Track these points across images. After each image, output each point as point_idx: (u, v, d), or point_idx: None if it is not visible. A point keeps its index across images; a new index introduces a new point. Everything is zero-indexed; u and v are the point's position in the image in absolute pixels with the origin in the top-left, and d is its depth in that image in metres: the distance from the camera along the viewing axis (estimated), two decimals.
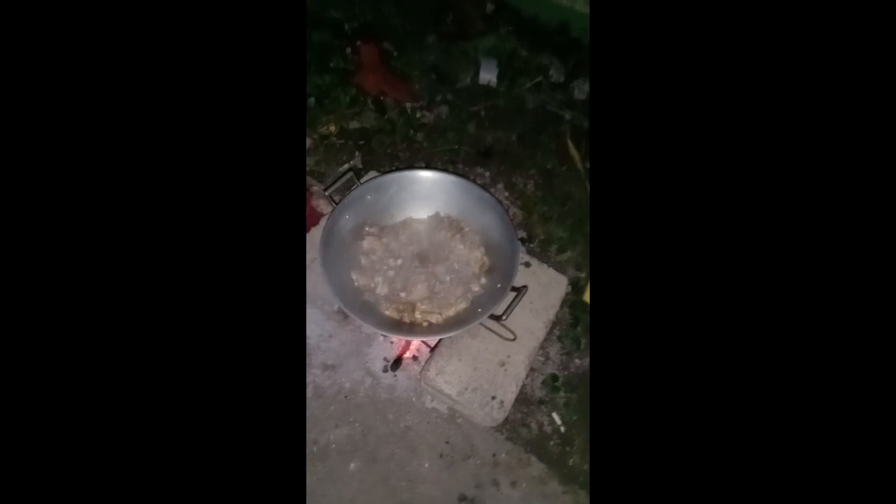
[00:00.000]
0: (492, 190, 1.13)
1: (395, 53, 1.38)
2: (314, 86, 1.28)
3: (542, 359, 0.93)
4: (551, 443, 0.86)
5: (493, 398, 0.80)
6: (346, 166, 1.15)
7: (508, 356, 0.84)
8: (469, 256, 0.88)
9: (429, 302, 0.82)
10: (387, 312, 0.81)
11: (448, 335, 0.80)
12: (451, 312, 0.82)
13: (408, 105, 1.29)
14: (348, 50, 1.35)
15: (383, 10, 1.43)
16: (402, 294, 0.82)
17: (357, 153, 1.19)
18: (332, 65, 1.33)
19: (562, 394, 0.90)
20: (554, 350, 0.94)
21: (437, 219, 0.92)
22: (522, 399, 0.88)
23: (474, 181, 0.98)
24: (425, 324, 0.80)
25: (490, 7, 1.48)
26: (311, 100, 1.26)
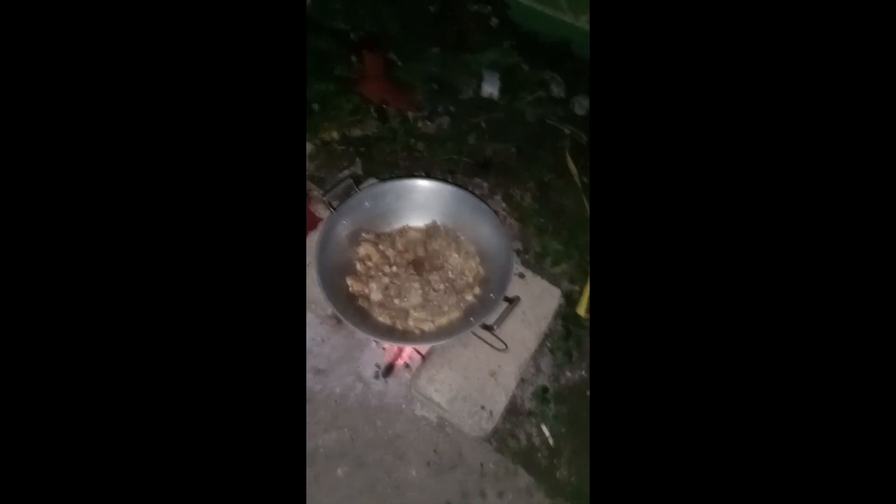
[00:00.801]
0: (489, 201, 1.14)
1: (399, 63, 1.40)
2: (318, 92, 1.30)
3: (533, 370, 0.93)
4: (539, 455, 0.86)
5: (483, 408, 0.81)
6: (346, 172, 1.16)
7: (499, 366, 0.85)
8: (464, 266, 0.89)
9: (422, 309, 0.82)
10: (380, 319, 0.82)
11: (440, 343, 0.81)
12: (443, 321, 0.83)
13: (409, 114, 1.30)
14: (353, 58, 1.38)
15: (389, 21, 1.46)
16: (396, 301, 0.83)
17: (357, 160, 1.21)
18: (336, 72, 1.35)
19: (551, 406, 0.90)
20: (545, 362, 0.95)
21: (433, 227, 0.93)
22: (512, 410, 0.88)
23: (472, 192, 0.99)
24: (418, 331, 0.81)
25: (494, 21, 1.51)
26: (315, 106, 1.28)
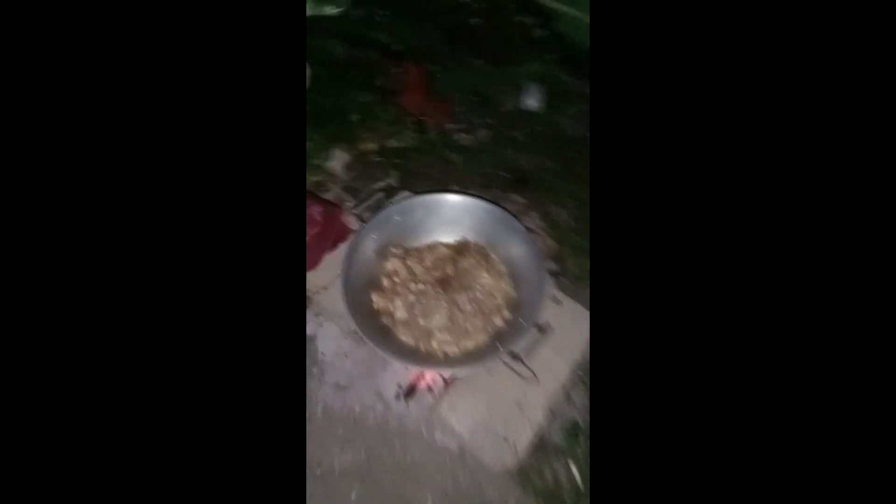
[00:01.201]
0: (525, 218, 1.09)
1: (440, 75, 1.39)
2: (358, 103, 1.31)
3: (563, 402, 0.87)
4: (565, 495, 0.79)
5: (506, 441, 0.76)
6: (380, 184, 1.15)
7: (526, 397, 0.79)
8: (494, 287, 0.85)
9: (447, 331, 0.79)
10: (403, 338, 0.79)
11: (463, 369, 0.77)
12: (469, 345, 0.78)
13: (448, 126, 1.28)
14: (394, 70, 1.38)
15: (431, 33, 1.45)
16: (421, 320, 0.80)
17: (393, 171, 1.20)
18: (377, 83, 1.35)
19: (582, 443, 0.84)
20: (578, 394, 0.88)
21: (464, 244, 0.90)
22: (539, 444, 0.82)
23: (507, 208, 0.95)
24: (441, 354, 0.77)
25: (539, 33, 1.47)
26: (354, 117, 1.28)
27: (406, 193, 1.03)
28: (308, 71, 1.19)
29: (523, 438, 0.77)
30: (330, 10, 1.45)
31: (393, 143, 1.25)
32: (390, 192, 1.10)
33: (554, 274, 1.00)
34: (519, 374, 0.80)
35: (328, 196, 1.10)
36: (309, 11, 1.40)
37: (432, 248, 0.90)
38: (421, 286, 0.84)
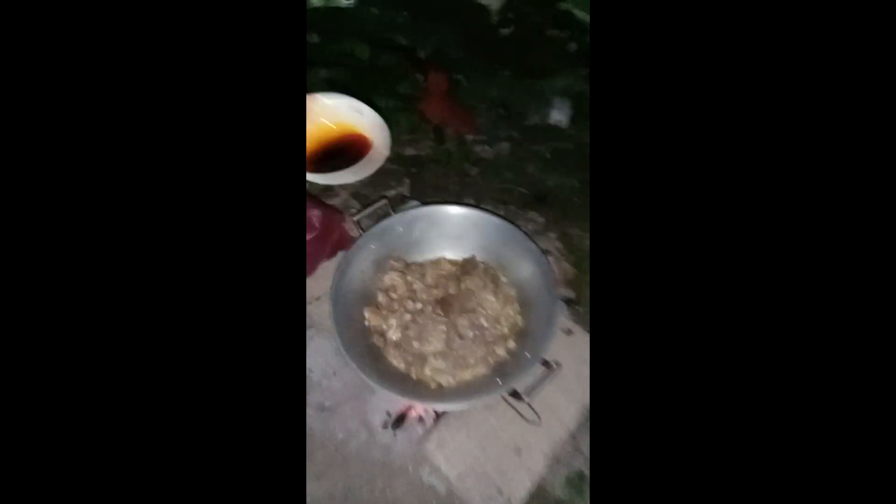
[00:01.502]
0: (542, 239, 1.01)
1: (465, 84, 1.33)
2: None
3: (570, 450, 0.77)
4: None
5: (500, 493, 0.66)
6: (391, 193, 1.09)
7: (527, 442, 0.70)
8: (500, 312, 0.76)
9: (443, 358, 0.71)
10: (393, 361, 0.71)
11: (456, 406, 0.68)
12: (466, 376, 0.70)
13: (468, 137, 1.22)
14: (418, 76, 1.33)
15: (457, 40, 1.41)
16: (415, 343, 0.72)
17: (406, 180, 1.14)
18: (399, 90, 1.31)
19: (587, 497, 0.73)
20: (587, 442, 0.78)
21: (471, 263, 0.82)
22: (538, 495, 0.72)
23: (523, 226, 0.86)
24: (433, 384, 0.69)
25: (572, 47, 1.41)
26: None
27: (414, 203, 0.96)
28: None
29: (519, 488, 0.67)
30: (342, 2, 1.41)
31: (409, 151, 1.20)
32: (400, 202, 1.04)
33: (568, 302, 0.91)
34: (520, 415, 0.71)
35: (334, 201, 1.05)
36: (318, 2, 1.37)
37: (436, 263, 0.83)
38: (419, 305, 0.76)
